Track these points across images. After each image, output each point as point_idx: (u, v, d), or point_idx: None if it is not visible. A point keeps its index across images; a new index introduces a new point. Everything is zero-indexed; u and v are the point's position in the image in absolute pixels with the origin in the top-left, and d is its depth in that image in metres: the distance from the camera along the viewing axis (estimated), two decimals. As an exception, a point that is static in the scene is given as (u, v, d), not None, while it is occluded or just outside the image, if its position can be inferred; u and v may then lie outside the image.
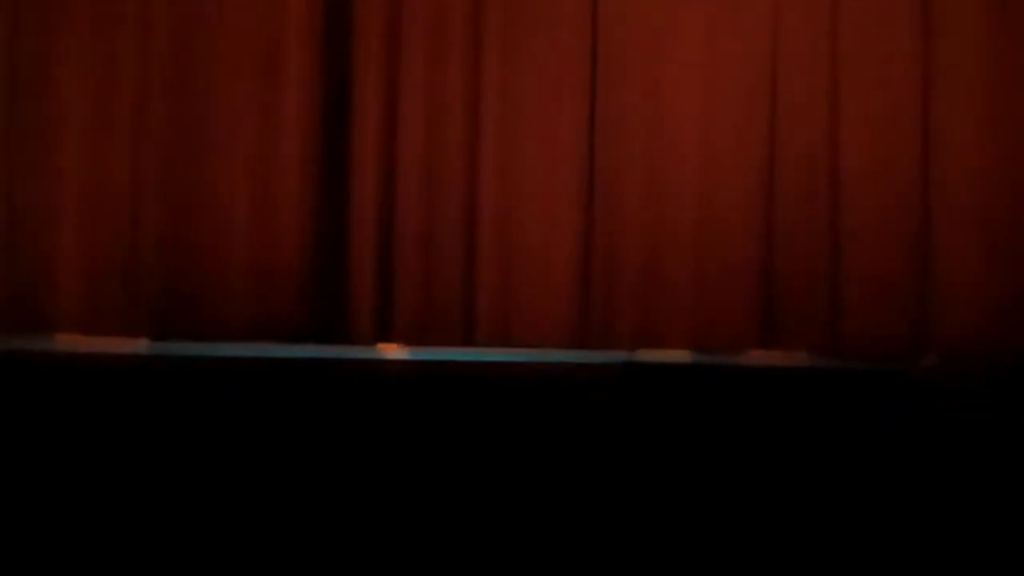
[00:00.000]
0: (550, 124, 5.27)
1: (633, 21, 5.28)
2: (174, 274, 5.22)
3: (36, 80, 5.27)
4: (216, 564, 4.55)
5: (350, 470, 4.78)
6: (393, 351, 5.22)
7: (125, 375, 4.89)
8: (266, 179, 5.27)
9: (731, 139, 5.23)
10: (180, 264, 5.23)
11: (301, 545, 4.71)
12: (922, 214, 5.17)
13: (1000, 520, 4.58)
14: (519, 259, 5.25)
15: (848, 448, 4.70)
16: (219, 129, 5.27)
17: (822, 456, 4.71)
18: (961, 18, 5.21)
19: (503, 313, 5.24)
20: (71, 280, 5.20)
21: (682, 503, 4.72)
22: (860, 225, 5.16)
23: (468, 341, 5.21)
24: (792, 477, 4.71)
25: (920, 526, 4.63)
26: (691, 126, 5.24)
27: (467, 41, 5.29)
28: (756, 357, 5.05)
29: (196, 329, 5.18)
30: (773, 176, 5.21)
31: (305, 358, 5.05)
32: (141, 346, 5.08)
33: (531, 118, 5.27)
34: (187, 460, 4.77)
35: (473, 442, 4.81)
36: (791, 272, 5.17)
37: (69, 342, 5.07)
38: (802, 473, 4.71)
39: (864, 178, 5.18)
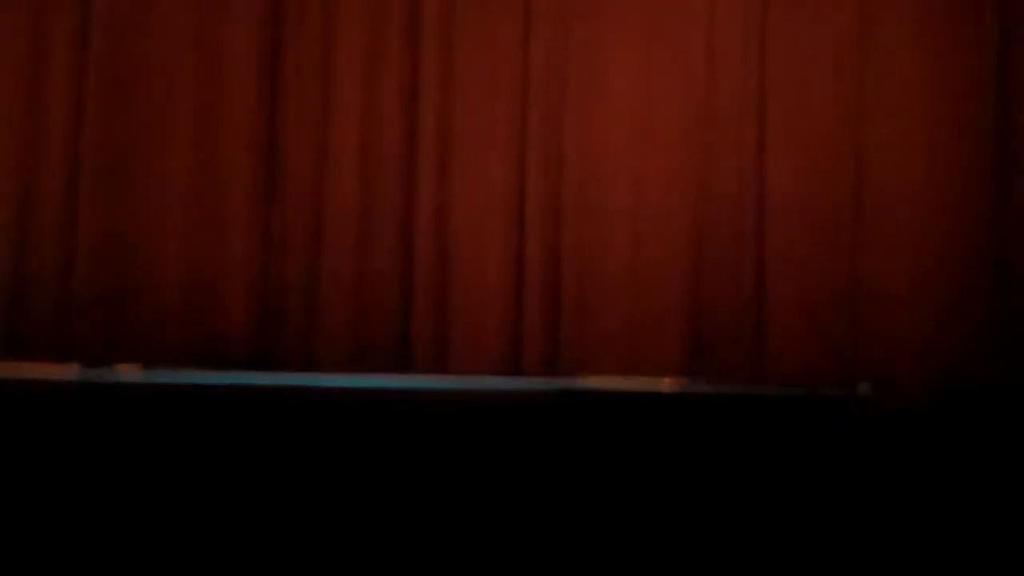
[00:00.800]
0: (484, 156, 5.29)
1: (569, 53, 5.32)
2: (109, 295, 5.15)
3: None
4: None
5: (277, 499, 4.76)
6: (327, 377, 5.18)
7: (54, 402, 4.83)
8: (203, 196, 5.20)
9: (663, 171, 5.29)
10: (114, 285, 5.17)
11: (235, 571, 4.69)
12: (850, 243, 5.25)
13: (938, 545, 4.65)
14: (454, 284, 5.25)
15: (785, 475, 4.75)
16: (155, 144, 5.19)
17: (760, 483, 4.76)
18: (890, 48, 5.33)
19: (438, 340, 5.24)
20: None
21: (618, 532, 4.75)
22: (788, 255, 5.24)
23: (403, 368, 5.20)
24: (729, 504, 4.75)
25: (860, 552, 4.69)
26: (624, 158, 5.29)
27: (403, 57, 5.29)
28: (687, 384, 5.08)
29: (130, 354, 5.12)
30: (704, 206, 5.27)
31: (235, 384, 5.00)
32: (72, 372, 5.00)
33: (465, 150, 5.29)
34: (119, 489, 4.73)
35: (409, 470, 4.81)
36: (719, 302, 5.24)
37: (-2, 368, 4.98)
38: (740, 500, 4.75)
39: (792, 207, 5.27)
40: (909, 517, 4.75)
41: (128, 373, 5.00)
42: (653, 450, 4.83)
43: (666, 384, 5.09)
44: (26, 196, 5.18)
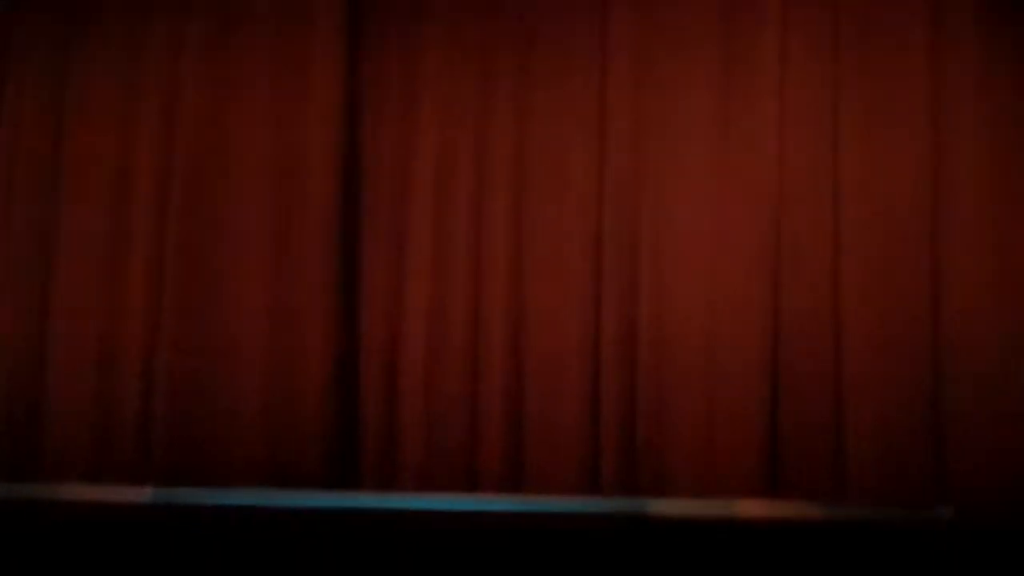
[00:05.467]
0: (557, 279, 5.28)
1: (640, 163, 5.28)
2: (185, 422, 5.23)
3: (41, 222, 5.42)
4: None
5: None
6: (403, 498, 5.16)
7: (128, 524, 4.87)
8: (280, 328, 5.33)
9: (736, 295, 5.16)
10: (192, 411, 5.25)
11: None
12: (929, 360, 5.01)
13: None
14: (527, 407, 5.22)
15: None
16: (233, 278, 5.35)
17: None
18: (969, 160, 5.10)
19: (511, 460, 5.19)
20: (78, 427, 5.23)
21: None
22: (865, 374, 5.03)
23: (476, 488, 5.16)
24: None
25: None
26: (697, 284, 5.19)
27: (473, 189, 5.36)
28: (764, 507, 4.92)
29: (205, 477, 5.17)
30: (778, 322, 5.13)
31: (311, 507, 5.00)
32: (146, 495, 5.05)
33: (538, 269, 5.29)
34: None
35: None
36: (795, 419, 5.06)
37: (72, 491, 5.05)
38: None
39: (869, 324, 5.06)
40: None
41: (200, 494, 5.02)
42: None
43: (742, 507, 4.94)
44: (110, 320, 5.33)
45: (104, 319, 5.36)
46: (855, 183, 5.14)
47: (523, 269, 5.30)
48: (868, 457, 4.95)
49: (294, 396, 5.28)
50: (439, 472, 5.21)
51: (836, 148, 5.17)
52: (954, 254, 5.06)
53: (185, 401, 5.26)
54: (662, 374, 5.15)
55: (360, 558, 4.87)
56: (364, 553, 4.88)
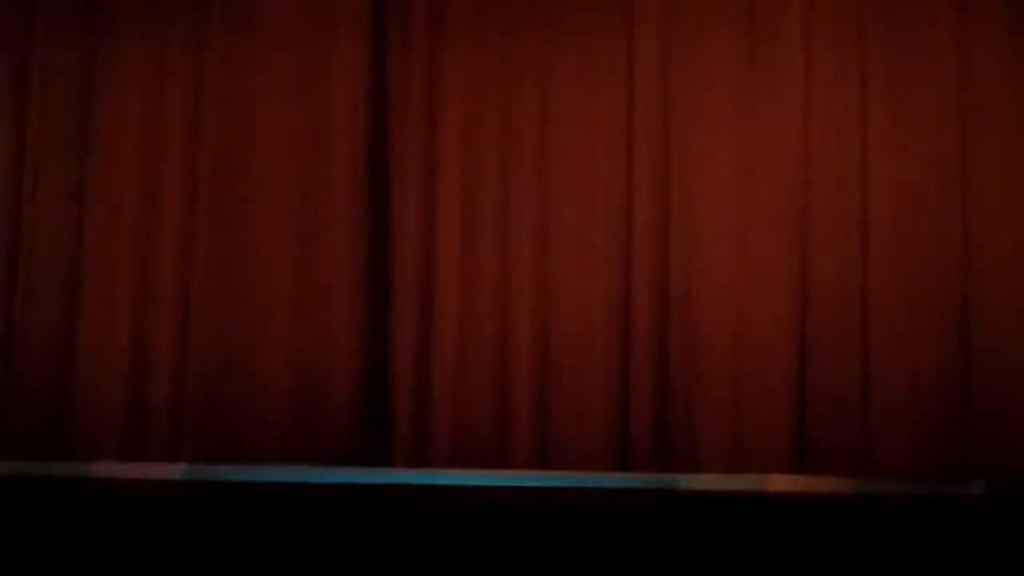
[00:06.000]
0: (585, 254, 5.27)
1: (668, 131, 5.26)
2: (216, 399, 5.25)
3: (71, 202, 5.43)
4: None
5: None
6: (432, 474, 5.17)
7: (161, 502, 4.91)
8: (310, 307, 5.34)
9: (765, 260, 5.16)
10: (223, 388, 5.27)
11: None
12: (959, 329, 5.00)
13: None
14: (556, 381, 5.22)
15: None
16: (262, 256, 5.36)
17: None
18: (997, 130, 5.09)
19: (539, 436, 5.19)
20: (110, 405, 5.27)
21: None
22: (894, 344, 5.02)
23: (504, 463, 5.17)
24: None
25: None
26: (726, 249, 5.18)
27: (501, 168, 5.35)
28: (794, 482, 4.91)
29: (237, 454, 5.19)
30: (806, 293, 5.12)
31: (344, 483, 5.02)
32: (178, 472, 5.08)
33: (565, 250, 5.27)
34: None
35: (505, 567, 4.75)
36: (824, 395, 5.05)
37: (105, 468, 5.09)
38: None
39: (897, 295, 5.05)
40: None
41: (232, 471, 5.05)
42: (758, 553, 4.68)
43: (772, 482, 4.93)
44: (141, 299, 5.36)
45: (135, 298, 5.37)
46: (884, 150, 5.12)
47: (551, 240, 5.29)
48: (896, 431, 4.94)
49: (325, 373, 5.28)
50: (469, 448, 5.21)
51: (864, 110, 5.16)
52: (984, 222, 5.05)
53: (216, 379, 5.28)
54: (691, 348, 5.15)
55: (391, 534, 4.89)
56: (395, 529, 4.90)
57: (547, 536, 4.82)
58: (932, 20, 5.18)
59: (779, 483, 4.87)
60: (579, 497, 4.89)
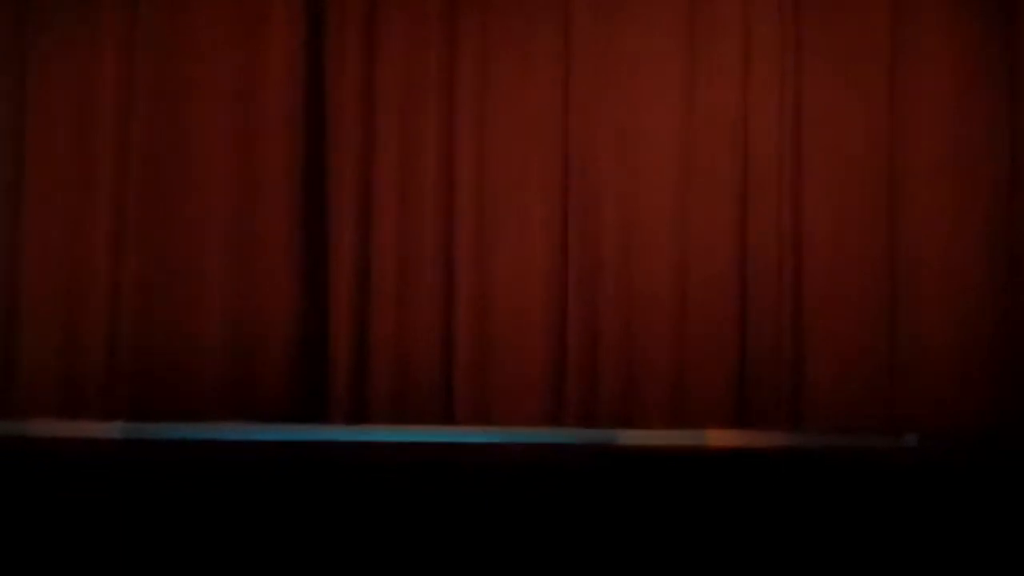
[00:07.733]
0: (523, 209, 5.31)
1: (604, 95, 5.32)
2: (152, 355, 5.22)
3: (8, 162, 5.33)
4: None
5: (327, 554, 4.75)
6: (371, 431, 5.18)
7: (99, 460, 4.86)
8: (245, 259, 5.31)
9: (704, 213, 5.26)
10: (158, 345, 5.23)
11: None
12: (889, 288, 5.15)
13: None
14: (496, 338, 5.26)
15: (831, 531, 4.65)
16: (198, 207, 5.30)
17: (803, 538, 4.66)
18: (927, 72, 5.24)
19: (480, 393, 5.22)
20: (47, 364, 5.21)
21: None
22: (826, 300, 5.16)
23: (446, 420, 5.19)
24: (772, 561, 4.66)
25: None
26: (664, 208, 5.27)
27: (441, 117, 5.35)
28: (731, 436, 5.00)
29: (174, 411, 5.16)
30: (744, 249, 5.22)
31: (283, 440, 5.01)
32: (116, 429, 5.04)
33: (504, 204, 5.32)
34: (164, 546, 4.74)
35: (450, 525, 4.77)
36: (761, 349, 5.16)
37: (42, 426, 5.04)
38: (783, 557, 4.66)
39: (829, 250, 5.19)
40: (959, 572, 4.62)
41: (169, 429, 5.03)
42: (694, 506, 4.75)
43: (711, 437, 5.02)
44: (76, 258, 5.29)
45: (70, 256, 5.31)
46: (818, 117, 5.24)
47: (489, 200, 5.32)
48: (831, 380, 5.06)
49: (262, 331, 5.27)
50: (409, 406, 5.24)
51: (799, 74, 5.28)
52: (911, 178, 5.21)
53: (151, 337, 5.24)
54: (630, 304, 5.23)
55: (329, 491, 4.89)
56: (333, 486, 4.90)
57: (486, 493, 4.85)
58: None
59: (718, 438, 4.94)
60: (518, 453, 4.93)
